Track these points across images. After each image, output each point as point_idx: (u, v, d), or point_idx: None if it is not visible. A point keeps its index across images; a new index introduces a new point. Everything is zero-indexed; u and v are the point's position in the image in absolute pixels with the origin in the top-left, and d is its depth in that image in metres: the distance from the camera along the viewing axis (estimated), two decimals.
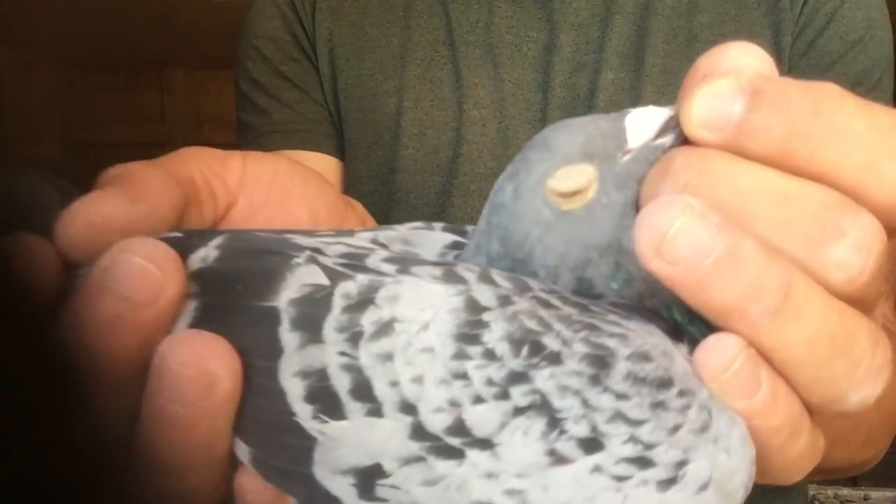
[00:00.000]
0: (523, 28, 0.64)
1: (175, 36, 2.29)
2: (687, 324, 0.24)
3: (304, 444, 0.23)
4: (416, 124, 0.64)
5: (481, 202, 0.35)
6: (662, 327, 0.24)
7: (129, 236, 0.25)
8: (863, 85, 0.62)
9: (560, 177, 0.25)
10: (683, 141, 0.24)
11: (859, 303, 0.22)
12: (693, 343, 0.23)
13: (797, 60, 0.62)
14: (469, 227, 0.29)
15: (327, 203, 0.33)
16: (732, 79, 0.22)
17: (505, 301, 0.23)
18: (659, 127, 0.24)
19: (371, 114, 0.65)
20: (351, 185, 0.66)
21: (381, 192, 0.64)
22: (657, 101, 0.43)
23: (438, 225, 0.30)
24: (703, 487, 0.21)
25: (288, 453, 0.23)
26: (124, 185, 0.27)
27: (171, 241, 0.25)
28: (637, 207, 0.24)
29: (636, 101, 0.62)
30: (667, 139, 0.24)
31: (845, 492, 2.16)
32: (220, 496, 0.26)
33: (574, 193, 0.25)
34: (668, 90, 0.63)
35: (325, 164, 0.66)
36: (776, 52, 0.62)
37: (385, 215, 0.63)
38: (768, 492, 0.65)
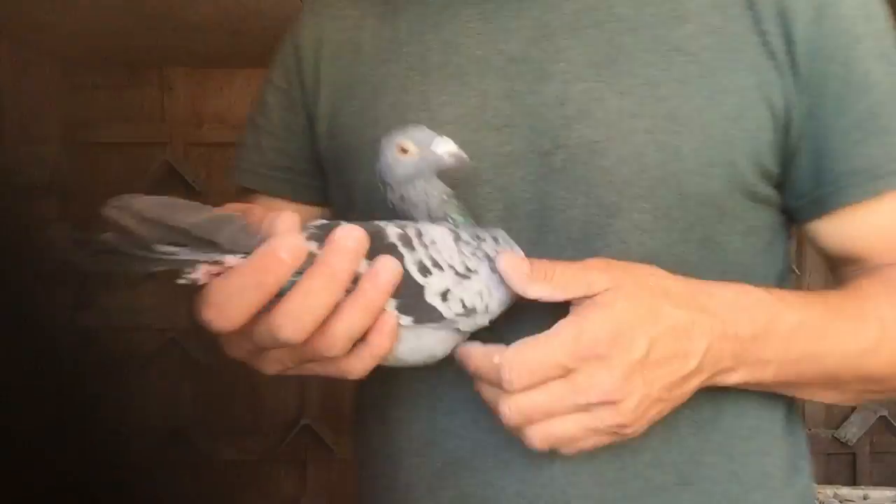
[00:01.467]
0: (492, 42, 0.68)
1: (175, 36, 2.29)
2: (462, 220, 0.62)
3: (419, 290, 0.56)
4: None
5: None
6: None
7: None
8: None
9: (398, 141, 0.61)
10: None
11: None
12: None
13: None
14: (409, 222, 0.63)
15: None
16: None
17: (460, 234, 0.60)
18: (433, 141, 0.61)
19: (354, 149, 0.73)
20: (340, 209, 0.83)
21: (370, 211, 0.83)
22: (639, 109, 0.66)
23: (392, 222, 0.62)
24: (479, 286, 0.59)
25: (412, 294, 0.56)
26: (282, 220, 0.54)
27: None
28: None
29: (605, 109, 0.67)
30: (440, 147, 0.61)
31: (845, 491, 2.15)
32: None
33: (404, 151, 0.61)
34: (649, 101, 0.65)
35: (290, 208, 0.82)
36: (768, 55, 0.64)
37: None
38: (703, 426, 0.67)
